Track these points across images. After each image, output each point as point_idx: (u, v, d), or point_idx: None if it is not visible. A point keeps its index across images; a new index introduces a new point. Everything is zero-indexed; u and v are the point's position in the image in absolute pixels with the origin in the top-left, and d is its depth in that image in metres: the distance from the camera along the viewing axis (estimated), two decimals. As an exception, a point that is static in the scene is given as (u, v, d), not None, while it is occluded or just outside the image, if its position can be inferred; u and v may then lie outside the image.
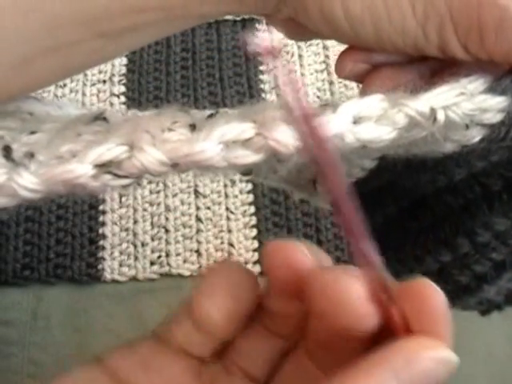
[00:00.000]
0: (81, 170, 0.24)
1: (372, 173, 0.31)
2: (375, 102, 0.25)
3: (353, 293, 0.24)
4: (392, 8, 0.26)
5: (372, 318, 0.25)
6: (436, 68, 0.29)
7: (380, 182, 0.32)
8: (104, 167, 0.25)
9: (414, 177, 0.31)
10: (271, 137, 0.24)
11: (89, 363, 0.30)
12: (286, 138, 0.24)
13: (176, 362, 0.30)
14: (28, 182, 0.25)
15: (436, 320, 0.25)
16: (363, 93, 0.27)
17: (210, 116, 0.27)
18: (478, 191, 0.30)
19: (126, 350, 0.30)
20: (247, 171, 0.32)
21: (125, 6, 0.28)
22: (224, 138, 0.24)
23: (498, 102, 0.25)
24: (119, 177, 0.25)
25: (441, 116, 0.25)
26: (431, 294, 0.25)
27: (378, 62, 0.29)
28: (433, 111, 0.25)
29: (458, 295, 0.33)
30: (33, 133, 0.28)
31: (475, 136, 0.26)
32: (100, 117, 0.29)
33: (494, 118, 0.25)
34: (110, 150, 0.25)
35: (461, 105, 0.25)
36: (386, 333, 0.25)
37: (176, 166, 0.25)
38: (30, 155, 0.26)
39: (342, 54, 0.30)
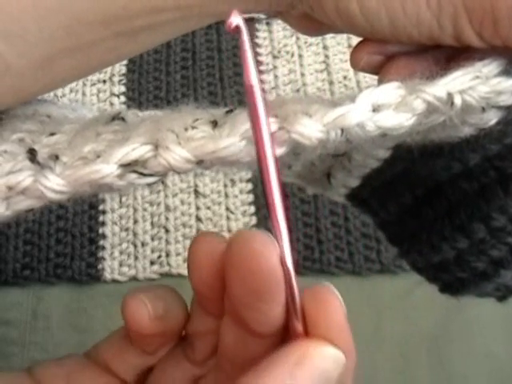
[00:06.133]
0: (106, 170, 0.25)
1: (386, 162, 0.31)
2: (393, 90, 0.25)
3: (268, 250, 0.25)
4: (406, 0, 0.27)
5: (281, 285, 0.26)
6: (451, 53, 0.29)
7: (394, 171, 0.32)
8: (129, 166, 0.25)
9: (430, 164, 0.31)
10: (294, 130, 0.25)
11: (19, 372, 0.32)
12: (308, 131, 0.25)
13: (99, 379, 0.32)
14: (54, 184, 0.25)
15: (331, 325, 0.26)
16: (380, 83, 0.27)
17: (229, 112, 0.27)
18: (493, 175, 0.30)
19: (53, 362, 0.32)
20: None
21: (143, 7, 0.28)
22: (247, 133, 0.25)
23: None
24: (144, 175, 0.25)
25: (458, 100, 0.25)
26: (330, 300, 0.26)
27: (393, 52, 0.30)
28: (450, 96, 0.25)
29: (475, 282, 0.33)
30: (52, 134, 0.28)
31: (492, 118, 0.27)
32: (118, 116, 0.29)
33: (510, 99, 0.26)
34: (135, 149, 0.25)
35: (476, 88, 0.25)
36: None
37: (201, 163, 0.25)
38: (55, 157, 0.26)
39: (357, 46, 0.30)
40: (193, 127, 0.26)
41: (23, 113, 0.31)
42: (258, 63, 0.24)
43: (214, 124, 0.26)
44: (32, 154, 0.27)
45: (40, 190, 0.25)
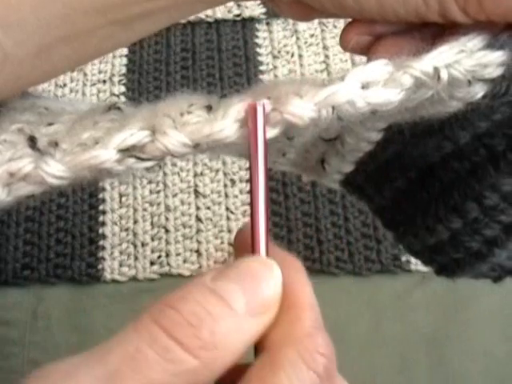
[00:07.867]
0: (105, 155, 0.26)
1: (379, 145, 0.32)
2: (381, 67, 0.26)
3: None
4: None
5: None
6: (437, 31, 0.30)
7: (387, 154, 0.33)
8: (127, 151, 0.26)
9: (421, 145, 0.32)
10: (286, 111, 0.25)
11: None
12: (300, 110, 0.25)
13: None
14: (55, 170, 0.26)
15: None
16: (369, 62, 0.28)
17: (223, 97, 0.28)
18: (483, 153, 0.31)
19: None
20: None
21: None
22: (241, 115, 0.26)
23: (496, 56, 0.26)
24: (143, 160, 0.26)
25: (444, 74, 0.26)
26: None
27: (381, 32, 0.31)
28: (436, 70, 0.26)
29: (470, 263, 0.33)
30: (50, 124, 0.29)
31: (478, 92, 0.27)
32: (114, 106, 0.30)
33: (495, 72, 0.26)
34: (133, 134, 0.26)
35: (462, 62, 0.26)
36: None
37: (197, 147, 0.26)
38: (55, 144, 0.27)
39: (346, 27, 0.31)
40: (188, 112, 0.27)
41: (21, 106, 0.31)
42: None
43: (209, 108, 0.27)
44: (32, 142, 0.27)
45: (41, 175, 0.26)
